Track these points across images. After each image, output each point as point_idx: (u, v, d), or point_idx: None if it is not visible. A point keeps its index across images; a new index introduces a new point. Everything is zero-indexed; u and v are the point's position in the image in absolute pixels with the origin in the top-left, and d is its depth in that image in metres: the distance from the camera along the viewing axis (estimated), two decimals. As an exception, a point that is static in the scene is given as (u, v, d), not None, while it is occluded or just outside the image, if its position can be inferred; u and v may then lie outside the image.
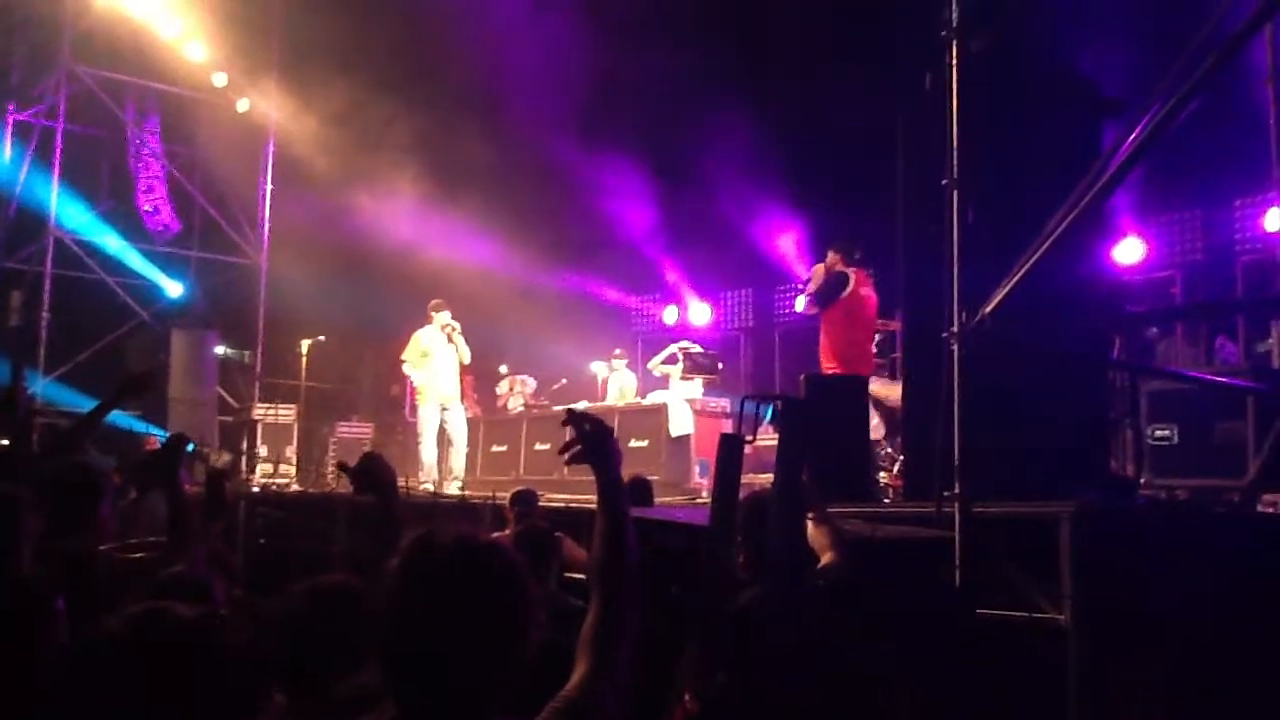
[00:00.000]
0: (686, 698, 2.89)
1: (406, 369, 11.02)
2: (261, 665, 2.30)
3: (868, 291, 8.99)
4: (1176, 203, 11.38)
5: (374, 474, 2.98)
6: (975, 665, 3.82)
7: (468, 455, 11.36)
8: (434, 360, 10.71)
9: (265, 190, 16.60)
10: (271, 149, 16.53)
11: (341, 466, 3.13)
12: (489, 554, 1.82)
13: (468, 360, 10.89)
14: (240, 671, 1.65)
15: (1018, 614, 4.37)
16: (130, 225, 15.69)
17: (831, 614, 3.17)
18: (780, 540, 3.03)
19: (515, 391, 14.46)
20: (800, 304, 9.22)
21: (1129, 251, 11.20)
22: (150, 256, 15.91)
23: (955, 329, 4.39)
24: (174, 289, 16.14)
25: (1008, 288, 4.18)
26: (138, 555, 3.69)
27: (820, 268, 8.92)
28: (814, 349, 11.06)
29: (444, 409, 10.74)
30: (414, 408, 11.24)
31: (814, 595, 3.21)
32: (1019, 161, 5.19)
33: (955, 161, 4.51)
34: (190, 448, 4.23)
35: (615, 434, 2.32)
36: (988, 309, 4.24)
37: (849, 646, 3.10)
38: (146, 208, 15.89)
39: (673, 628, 3.01)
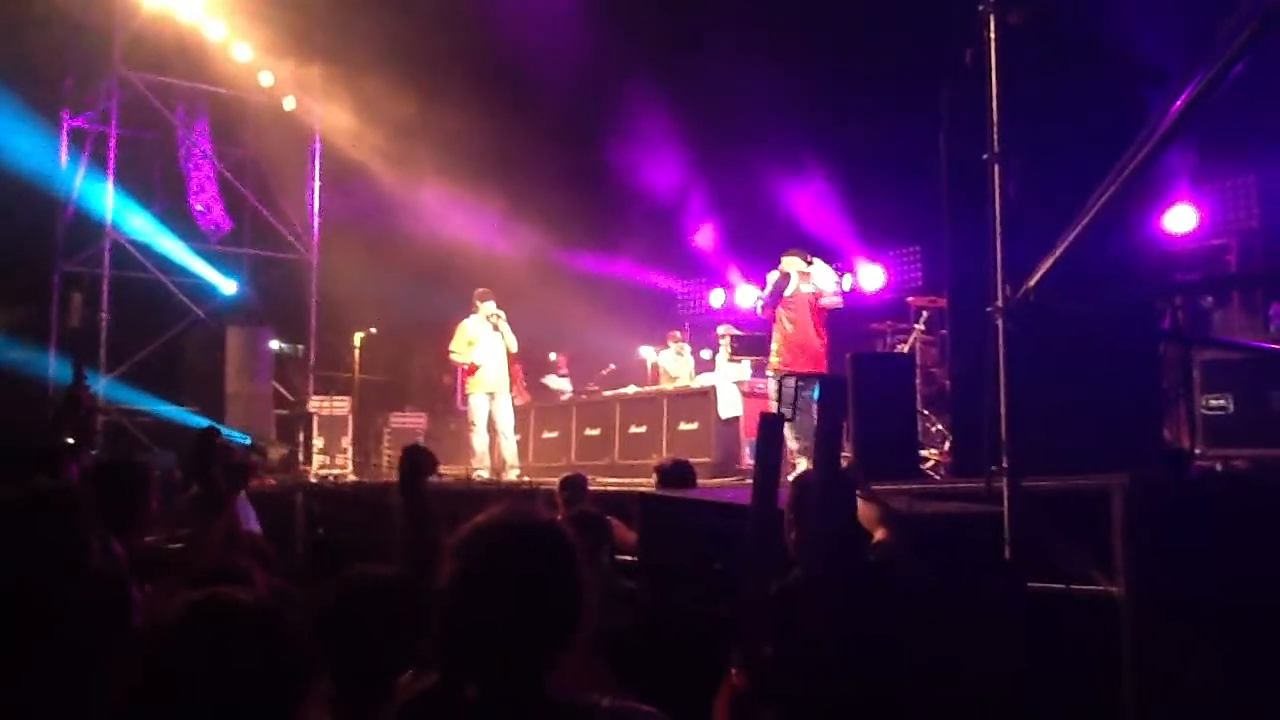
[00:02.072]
0: (734, 672, 2.93)
1: (455, 358, 11.05)
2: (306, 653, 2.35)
3: (813, 289, 8.96)
4: (1230, 169, 11.16)
5: (407, 465, 3.16)
6: (1025, 639, 3.82)
7: (519, 442, 11.41)
8: (480, 349, 10.73)
9: (314, 187, 16.80)
10: (318, 145, 16.72)
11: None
12: (543, 530, 1.90)
13: (515, 348, 10.85)
14: (296, 655, 1.70)
15: (1071, 588, 4.35)
16: (183, 225, 15.94)
17: (880, 589, 3.19)
18: (818, 519, 3.04)
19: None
20: (758, 308, 9.31)
21: (1182, 219, 10.97)
22: (204, 255, 16.15)
23: (1000, 303, 4.37)
24: (228, 286, 16.37)
25: (1052, 261, 4.13)
26: (177, 547, 3.79)
27: (775, 273, 8.97)
28: (862, 326, 11.01)
29: (492, 397, 10.79)
30: (465, 397, 11.29)
31: (861, 572, 3.22)
32: (1062, 134, 5.15)
33: (996, 135, 4.47)
34: (248, 441, 4.31)
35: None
36: (1032, 283, 4.21)
37: (897, 622, 3.11)
38: (198, 208, 16.15)
39: (719, 605, 3.05)
